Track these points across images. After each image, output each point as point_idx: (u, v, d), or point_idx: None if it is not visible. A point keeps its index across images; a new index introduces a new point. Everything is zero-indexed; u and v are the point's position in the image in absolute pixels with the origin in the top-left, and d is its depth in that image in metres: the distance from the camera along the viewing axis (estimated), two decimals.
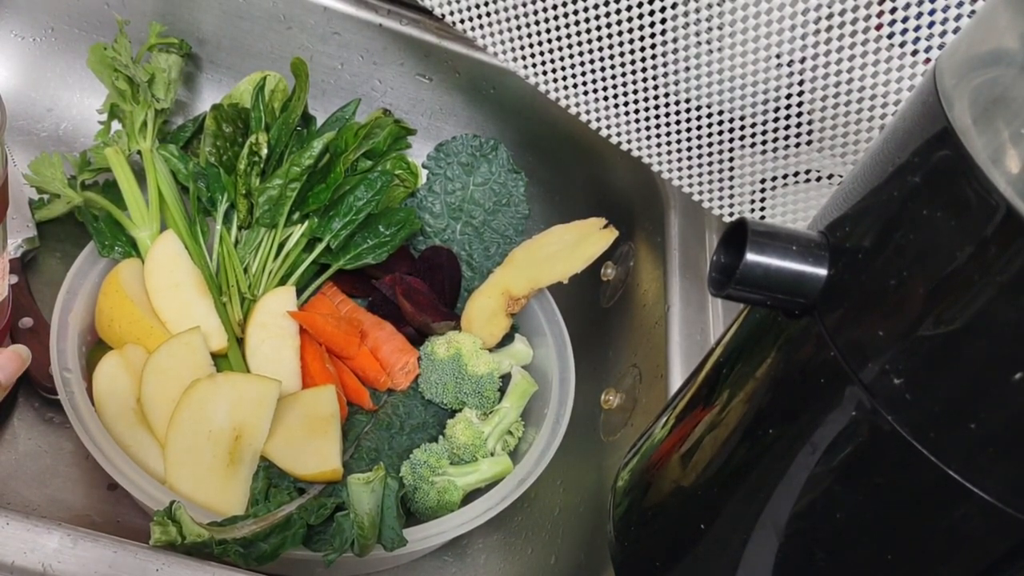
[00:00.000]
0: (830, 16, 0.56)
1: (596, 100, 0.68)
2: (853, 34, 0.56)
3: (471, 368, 0.69)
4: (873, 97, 0.57)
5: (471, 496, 0.65)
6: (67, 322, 0.62)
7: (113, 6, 0.79)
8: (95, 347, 0.65)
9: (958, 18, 0.52)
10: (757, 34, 0.59)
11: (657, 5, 0.61)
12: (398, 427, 0.68)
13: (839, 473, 0.32)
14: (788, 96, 0.61)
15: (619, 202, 0.84)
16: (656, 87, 0.65)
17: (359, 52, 0.84)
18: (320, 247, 0.72)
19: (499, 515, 0.62)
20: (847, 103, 0.59)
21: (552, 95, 0.70)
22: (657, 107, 0.67)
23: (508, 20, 0.68)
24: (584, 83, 0.68)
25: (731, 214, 0.69)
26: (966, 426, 0.28)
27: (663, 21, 0.62)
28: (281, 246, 0.71)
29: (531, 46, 0.68)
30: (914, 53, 0.54)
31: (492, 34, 0.69)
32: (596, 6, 0.63)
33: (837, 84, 0.58)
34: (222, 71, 0.84)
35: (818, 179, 0.63)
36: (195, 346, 0.62)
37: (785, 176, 0.65)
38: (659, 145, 0.68)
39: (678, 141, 0.67)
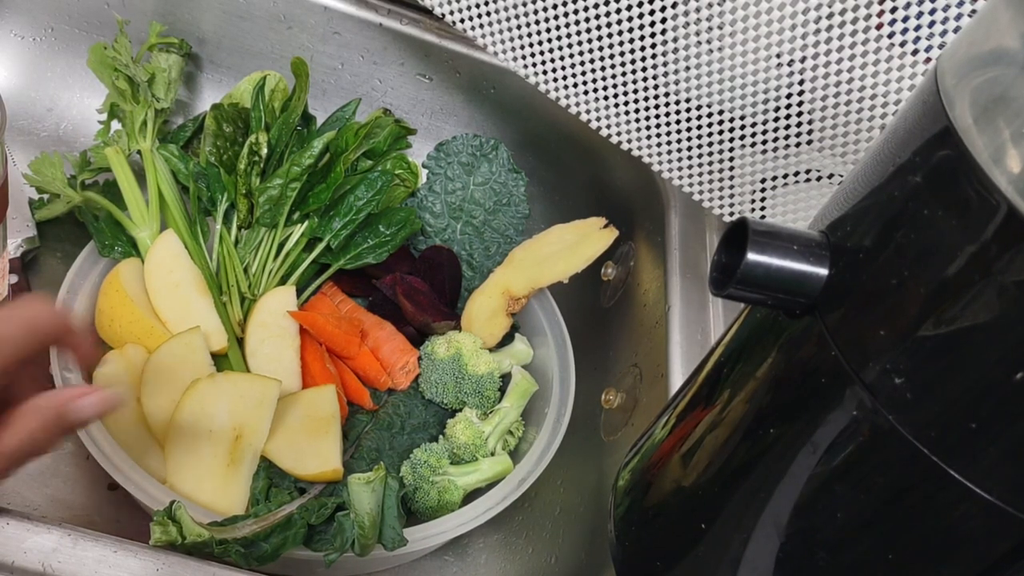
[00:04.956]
0: (830, 16, 0.56)
1: (596, 100, 0.68)
2: (853, 34, 0.56)
3: (471, 368, 0.69)
4: (873, 97, 0.57)
5: (471, 496, 0.65)
6: None
7: (113, 6, 0.79)
8: (95, 347, 0.65)
9: (958, 17, 0.52)
10: (757, 34, 0.59)
11: (657, 5, 0.61)
12: (398, 427, 0.68)
13: (840, 473, 0.32)
14: (788, 96, 0.61)
15: (619, 202, 0.84)
16: (656, 87, 0.65)
17: (359, 52, 0.84)
18: (320, 247, 0.72)
19: (499, 515, 0.62)
20: (847, 103, 0.59)
21: (552, 95, 0.70)
22: (657, 107, 0.67)
23: (508, 20, 0.68)
24: (584, 83, 0.68)
25: (731, 214, 0.69)
26: (967, 426, 0.28)
27: (663, 21, 0.62)
28: (281, 246, 0.71)
29: (531, 46, 0.68)
30: (914, 53, 0.54)
31: (492, 34, 0.69)
32: (596, 6, 0.63)
33: (837, 84, 0.58)
34: (222, 71, 0.84)
35: (818, 179, 0.63)
36: (195, 346, 0.62)
37: (785, 176, 0.65)
38: (659, 145, 0.69)
39: (678, 141, 0.67)
